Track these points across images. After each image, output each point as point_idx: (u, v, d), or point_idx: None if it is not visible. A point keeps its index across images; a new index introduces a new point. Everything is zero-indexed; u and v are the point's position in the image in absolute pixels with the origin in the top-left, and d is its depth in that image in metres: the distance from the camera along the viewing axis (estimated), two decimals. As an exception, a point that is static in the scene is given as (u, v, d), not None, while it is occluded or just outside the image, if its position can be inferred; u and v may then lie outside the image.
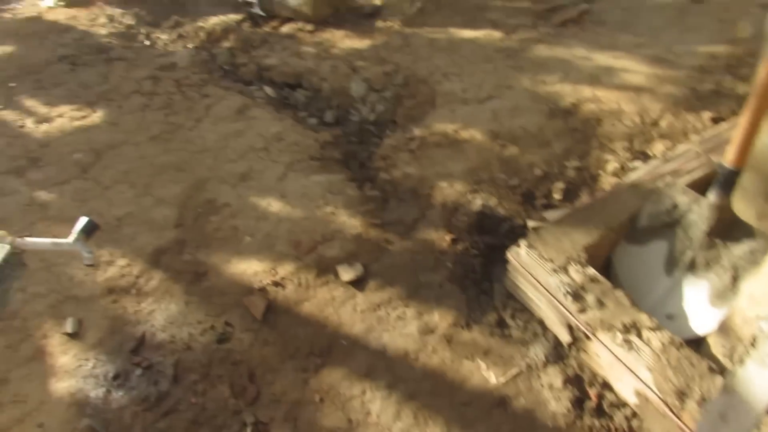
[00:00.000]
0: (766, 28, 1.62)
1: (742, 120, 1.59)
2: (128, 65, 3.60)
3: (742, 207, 1.93)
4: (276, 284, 2.15)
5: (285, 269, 2.20)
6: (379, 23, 4.02)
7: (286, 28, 4.11)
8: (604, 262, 2.05)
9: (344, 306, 2.08)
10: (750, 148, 1.64)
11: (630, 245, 2.01)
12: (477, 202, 2.43)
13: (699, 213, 1.84)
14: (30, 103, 3.22)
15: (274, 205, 2.48)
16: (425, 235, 2.35)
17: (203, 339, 1.97)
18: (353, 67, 3.54)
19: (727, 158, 1.67)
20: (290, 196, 2.54)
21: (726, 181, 1.72)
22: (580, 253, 1.89)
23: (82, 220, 1.71)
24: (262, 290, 2.13)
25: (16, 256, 1.63)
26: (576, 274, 1.83)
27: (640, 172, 2.17)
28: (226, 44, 3.97)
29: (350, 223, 2.41)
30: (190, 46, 4.00)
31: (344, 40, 3.87)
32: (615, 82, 3.03)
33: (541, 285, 1.86)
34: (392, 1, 4.26)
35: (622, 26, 3.52)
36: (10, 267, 1.61)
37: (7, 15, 4.36)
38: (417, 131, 2.93)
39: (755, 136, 1.62)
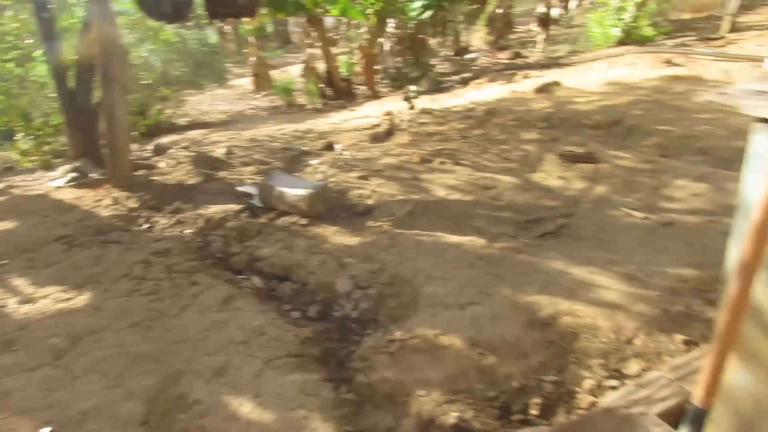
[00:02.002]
0: (726, 267, 1.74)
1: (708, 361, 1.64)
2: (123, 248, 3.73)
3: (716, 441, 1.91)
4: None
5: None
6: (370, 222, 4.24)
7: (281, 221, 4.33)
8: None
9: None
10: (717, 388, 1.67)
11: (605, 476, 1.95)
12: (453, 414, 2.40)
13: (671, 448, 1.82)
14: (17, 282, 3.29)
15: (246, 406, 2.43)
16: (398, 447, 2.29)
17: None
18: (341, 263, 3.68)
19: (696, 397, 1.70)
20: (264, 396, 2.50)
21: (695, 419, 1.72)
22: (554, 482, 1.83)
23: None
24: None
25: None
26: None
27: (613, 396, 2.17)
28: (222, 232, 4.15)
29: (323, 429, 2.35)
30: (187, 231, 4.17)
31: (335, 236, 4.06)
32: (591, 297, 3.13)
33: None
34: (383, 201, 4.54)
35: (597, 242, 3.72)
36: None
37: (16, 190, 4.59)
38: (398, 333, 2.96)
39: (721, 377, 1.66)
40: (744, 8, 11.89)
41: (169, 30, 9.97)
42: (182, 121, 10.49)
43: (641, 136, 5.49)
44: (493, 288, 3.30)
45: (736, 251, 1.61)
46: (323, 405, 2.48)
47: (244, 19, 13.28)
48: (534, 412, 2.47)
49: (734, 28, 10.68)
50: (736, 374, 1.82)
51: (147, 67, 9.69)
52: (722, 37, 10.22)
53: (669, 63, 8.11)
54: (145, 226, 4.25)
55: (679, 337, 2.78)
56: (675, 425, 1.89)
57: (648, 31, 10.77)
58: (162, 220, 4.33)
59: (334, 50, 12.50)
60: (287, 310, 3.35)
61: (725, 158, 4.84)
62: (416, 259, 3.67)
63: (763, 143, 1.49)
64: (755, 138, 1.52)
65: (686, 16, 13.16)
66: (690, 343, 2.74)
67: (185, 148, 6.83)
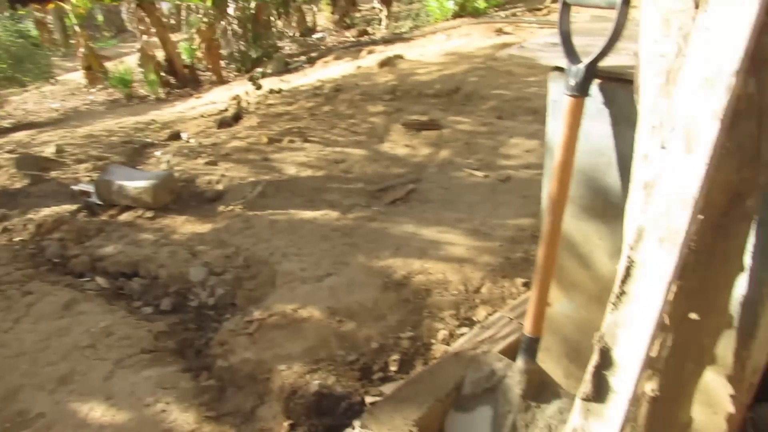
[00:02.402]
0: (543, 206, 1.89)
1: (532, 294, 1.79)
2: (-60, 264, 3.35)
3: (551, 367, 2.11)
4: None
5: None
6: (221, 207, 4.13)
7: (124, 216, 4.10)
8: (438, 431, 2.10)
9: None
10: (542, 317, 1.83)
11: (459, 413, 2.08)
12: (314, 382, 2.43)
13: (512, 378, 1.98)
14: None
15: (97, 410, 2.30)
16: (263, 423, 2.28)
17: None
18: (193, 252, 3.56)
19: (526, 328, 1.86)
20: (117, 397, 2.37)
21: (528, 348, 1.88)
22: (412, 428, 1.92)
23: None
24: None
25: None
26: (409, 451, 1.85)
27: (462, 341, 2.32)
28: (58, 236, 3.85)
29: (183, 419, 2.29)
30: (17, 239, 3.82)
31: (185, 226, 3.92)
32: (441, 255, 3.30)
33: (376, 467, 1.85)
34: (234, 185, 4.44)
35: (444, 203, 3.91)
36: None
37: None
38: (256, 313, 2.94)
39: (545, 306, 1.82)
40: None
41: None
42: (5, 123, 9.48)
43: (478, 101, 5.81)
44: (348, 257, 3.36)
45: (546, 189, 1.77)
46: (182, 396, 2.41)
47: (67, 8, 12.24)
48: (393, 368, 2.57)
49: (556, -1, 11.55)
50: (560, 304, 2.01)
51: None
52: (546, 7, 11.02)
53: (500, 32, 8.61)
54: (-35, 239, 3.83)
55: (519, 281, 3.01)
56: (515, 358, 2.05)
57: (480, 4, 11.32)
58: (-15, 231, 3.93)
59: (173, 36, 11.88)
60: (138, 307, 3.20)
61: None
62: (271, 238, 3.64)
63: (558, 89, 1.64)
64: (551, 85, 1.67)
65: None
66: (528, 285, 2.98)
67: (10, 152, 6.19)
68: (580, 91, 1.56)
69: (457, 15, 11.15)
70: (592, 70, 1.54)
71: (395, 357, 2.60)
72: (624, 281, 1.09)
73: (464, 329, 2.73)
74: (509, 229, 3.46)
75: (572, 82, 1.56)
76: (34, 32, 12.97)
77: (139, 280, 3.41)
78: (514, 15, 10.69)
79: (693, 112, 0.93)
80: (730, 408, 1.71)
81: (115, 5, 18.59)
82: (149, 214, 4.05)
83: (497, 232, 3.46)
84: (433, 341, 2.71)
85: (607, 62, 1.53)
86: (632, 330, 1.06)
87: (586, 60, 1.54)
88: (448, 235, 3.50)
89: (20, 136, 7.53)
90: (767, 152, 1.02)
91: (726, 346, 1.57)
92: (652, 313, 1.03)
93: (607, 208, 1.72)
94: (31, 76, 10.72)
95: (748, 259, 1.37)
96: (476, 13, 11.10)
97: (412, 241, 3.46)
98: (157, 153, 5.53)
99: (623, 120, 1.57)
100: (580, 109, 1.58)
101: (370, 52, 9.27)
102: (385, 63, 7.64)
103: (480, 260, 3.20)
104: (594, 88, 1.58)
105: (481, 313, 2.83)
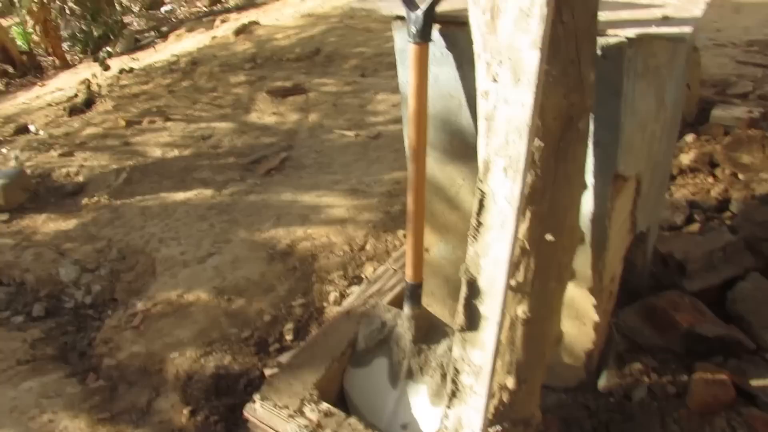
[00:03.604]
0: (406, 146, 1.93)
1: (407, 242, 1.85)
2: None
3: (438, 310, 2.20)
4: None
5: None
6: (85, 200, 3.88)
7: (-26, 224, 3.74)
8: (339, 391, 2.14)
9: None
10: (421, 262, 1.90)
11: (356, 369, 2.13)
12: (210, 364, 2.39)
13: (402, 325, 2.05)
14: None
15: (-28, 434, 2.14)
16: (161, 415, 2.22)
17: None
18: (60, 251, 3.34)
19: (407, 275, 1.92)
20: (-5, 416, 2.21)
21: (412, 294, 1.95)
22: (312, 391, 1.94)
23: None
24: None
25: None
26: (311, 413, 1.87)
27: (351, 298, 2.35)
28: None
29: (74, 426, 2.18)
30: None
31: (47, 224, 3.65)
32: (322, 218, 3.30)
33: (282, 435, 1.86)
34: (95, 175, 4.17)
35: (319, 167, 3.90)
36: None
37: None
38: (140, 305, 2.82)
39: (422, 252, 1.89)
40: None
41: None
42: None
43: (340, 61, 5.79)
44: (229, 234, 3.29)
45: (407, 139, 1.81)
46: (70, 402, 2.29)
47: None
48: (289, 337, 2.57)
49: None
50: (436, 248, 2.09)
51: None
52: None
53: (354, -11, 8.58)
54: None
55: (401, 233, 3.09)
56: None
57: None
58: None
59: (3, 22, 10.76)
60: (6, 318, 2.96)
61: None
62: (144, 225, 3.48)
63: (402, 38, 1.66)
64: (396, 34, 1.69)
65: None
66: (409, 235, 3.07)
67: None
68: (422, 37, 1.58)
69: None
70: (431, 16, 1.57)
71: (289, 326, 2.60)
72: (479, 213, 1.15)
73: (354, 288, 2.77)
74: (385, 184, 3.52)
75: (413, 29, 1.58)
76: None
77: (2, 288, 3.15)
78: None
79: (515, 44, 0.98)
80: (596, 317, 1.87)
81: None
82: (3, 216, 3.73)
83: (374, 188, 3.51)
84: (325, 304, 2.73)
85: (444, 7, 1.57)
86: (492, 258, 1.13)
87: (423, 6, 1.57)
88: (327, 198, 3.51)
89: None
90: (588, 77, 1.11)
91: (583, 261, 1.71)
92: (507, 240, 1.09)
93: (465, 148, 1.78)
94: None
95: (590, 178, 1.48)
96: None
97: (292, 208, 3.44)
98: (3, 150, 5.05)
99: (467, 62, 1.61)
100: (425, 55, 1.61)
101: (224, 21, 8.92)
102: (242, 30, 7.39)
103: (361, 218, 3.24)
104: (435, 33, 1.61)
105: (368, 269, 2.89)
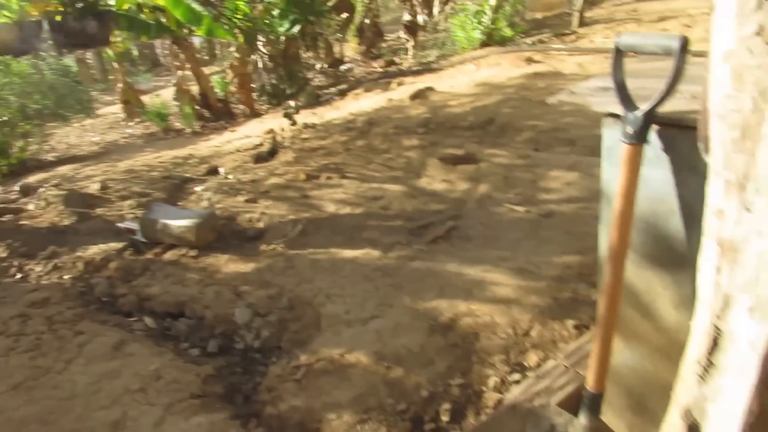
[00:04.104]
0: (600, 254, 1.85)
1: (594, 347, 1.74)
2: (-5, 304, 3.42)
3: (613, 420, 2.03)
4: None
5: None
6: (263, 246, 4.16)
7: (169, 255, 4.14)
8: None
9: None
10: (606, 372, 1.77)
11: (518, 470, 2.02)
12: (366, 433, 2.39)
13: (575, 433, 1.92)
14: None
15: (149, 460, 2.30)
16: (315, 476, 2.25)
17: None
18: (237, 292, 3.58)
19: (588, 383, 1.80)
20: (168, 447, 2.37)
21: (592, 404, 1.82)
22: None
23: None
24: None
25: None
26: None
27: (516, 391, 2.26)
28: (106, 274, 3.91)
29: (234, 470, 2.27)
30: (66, 277, 3.89)
31: (228, 265, 3.94)
32: (486, 295, 3.24)
33: None
34: (274, 223, 4.47)
35: (486, 241, 3.87)
36: None
37: None
38: (303, 357, 2.92)
39: (609, 360, 1.77)
40: (589, 4, 12.85)
41: (23, 62, 9.27)
42: (50, 157, 9.79)
43: (514, 133, 5.78)
44: (392, 299, 3.33)
45: (605, 238, 1.72)
46: (233, 445, 2.39)
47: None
48: (445, 418, 2.51)
49: (582, 23, 11.52)
50: (622, 355, 1.95)
51: (1, 102, 8.96)
52: (573, 32, 10.99)
53: (530, 61, 8.60)
54: (18, 276, 3.92)
55: (570, 323, 2.94)
56: (575, 410, 1.99)
57: (507, 32, 11.34)
58: (37, 268, 4.01)
59: (206, 70, 12.17)
60: (185, 349, 3.21)
61: (590, 146, 5.18)
62: (314, 278, 3.63)
63: (613, 136, 1.60)
64: (606, 132, 1.64)
65: (539, 15, 14.03)
66: (580, 327, 2.90)
67: (56, 186, 6.37)
68: (639, 138, 1.52)
69: (484, 44, 11.19)
70: (651, 117, 1.51)
71: (446, 406, 2.54)
72: (711, 352, 1.04)
73: (516, 375, 2.66)
74: (555, 268, 3.39)
75: (630, 129, 1.52)
76: (75, 68, 13.40)
77: (185, 320, 3.43)
78: (541, 42, 10.69)
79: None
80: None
81: (150, 42, 19.17)
82: (193, 252, 4.09)
83: (543, 270, 3.40)
84: (484, 389, 2.64)
85: (665, 107, 1.50)
86: (723, 408, 1.01)
87: (644, 107, 1.51)
88: (492, 274, 3.45)
89: (64, 170, 7.75)
90: None
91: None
92: (746, 391, 0.97)
93: (670, 256, 1.66)
94: (73, 112, 11.07)
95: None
96: (503, 42, 11.13)
97: (456, 281, 3.42)
98: (197, 188, 5.61)
99: (684, 166, 1.53)
100: (639, 156, 1.55)
101: (399, 84, 9.35)
102: (417, 95, 7.68)
103: (527, 301, 3.14)
104: (652, 134, 1.54)
105: (532, 358, 2.77)
